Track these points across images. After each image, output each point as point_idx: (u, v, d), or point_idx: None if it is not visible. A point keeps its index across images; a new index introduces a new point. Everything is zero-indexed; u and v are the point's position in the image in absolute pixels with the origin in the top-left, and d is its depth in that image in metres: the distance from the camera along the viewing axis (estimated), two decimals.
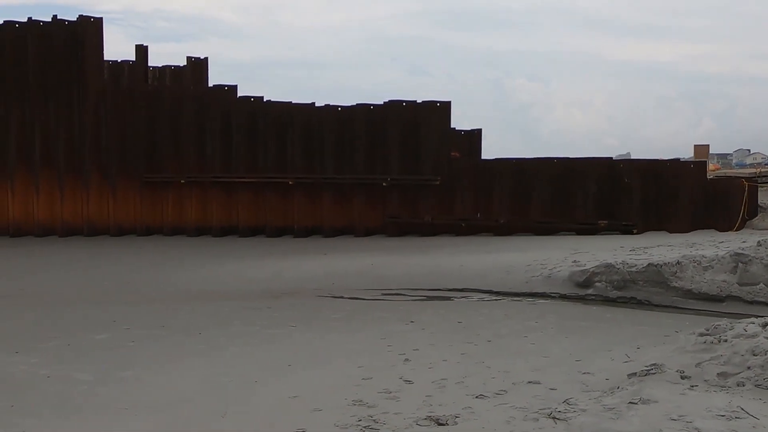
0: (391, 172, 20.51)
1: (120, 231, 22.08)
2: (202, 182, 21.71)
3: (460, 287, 12.09)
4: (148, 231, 22.08)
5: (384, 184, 20.42)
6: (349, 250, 17.65)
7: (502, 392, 6.11)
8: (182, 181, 21.82)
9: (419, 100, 20.69)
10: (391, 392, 6.27)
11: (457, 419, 5.39)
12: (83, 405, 6.41)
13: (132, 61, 26.15)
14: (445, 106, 20.46)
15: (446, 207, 20.24)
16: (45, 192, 22.21)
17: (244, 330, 9.25)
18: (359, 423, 5.46)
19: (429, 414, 5.51)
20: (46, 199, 22.23)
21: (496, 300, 11.19)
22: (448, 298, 11.39)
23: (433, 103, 20.49)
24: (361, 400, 6.04)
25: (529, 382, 6.39)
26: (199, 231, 21.75)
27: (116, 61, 26.17)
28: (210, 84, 24.95)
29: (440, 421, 5.34)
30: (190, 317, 10.26)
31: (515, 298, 11.25)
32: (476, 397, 5.99)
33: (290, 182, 21.09)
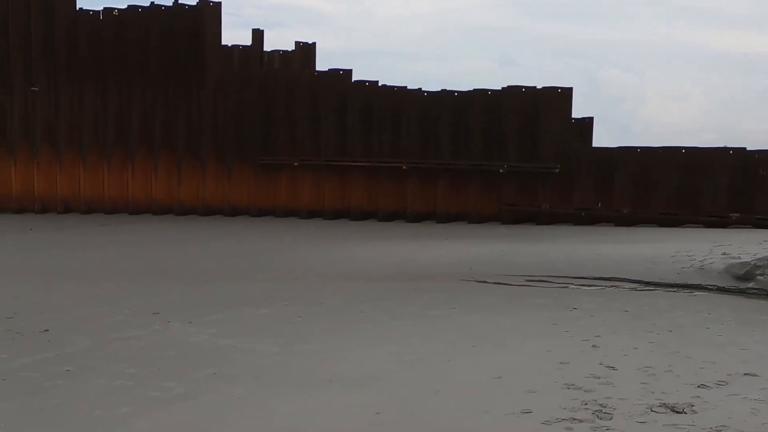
0: (509, 158, 20.21)
1: (234, 212, 22.50)
2: (316, 165, 21.87)
3: (606, 276, 11.73)
4: (261, 212, 22.41)
5: (501, 170, 20.14)
6: (467, 237, 17.49)
7: (722, 383, 5.83)
8: (296, 164, 22.04)
9: (539, 86, 20.28)
10: (599, 377, 6.07)
11: (693, 408, 5.15)
12: (283, 376, 6.44)
13: (242, 46, 26.55)
14: (567, 93, 20.01)
15: (565, 196, 19.82)
16: (163, 173, 22.80)
17: (403, 311, 9.18)
18: (586, 407, 5.29)
19: (660, 401, 5.29)
20: (165, 180, 22.82)
21: (649, 290, 10.81)
22: (598, 286, 11.07)
23: (554, 89, 20.06)
24: (573, 384, 5.87)
25: (746, 374, 6.09)
26: (312, 214, 21.95)
27: (227, 45, 26.62)
28: (317, 69, 25.17)
29: (676, 409, 5.12)
30: (341, 296, 10.26)
31: (669, 289, 10.84)
32: (698, 386, 5.73)
33: (404, 167, 21.03)
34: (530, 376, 6.17)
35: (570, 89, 20.06)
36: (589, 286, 11.18)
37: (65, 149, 23.08)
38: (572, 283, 11.37)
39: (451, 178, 20.75)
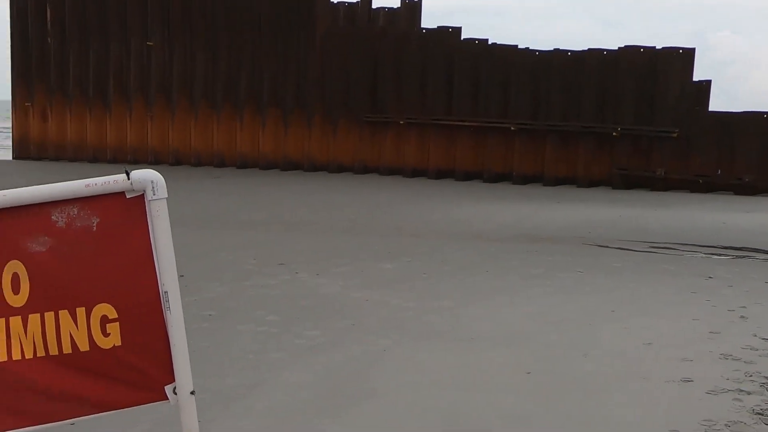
0: (623, 121, 19.53)
1: (339, 168, 22.65)
2: (422, 124, 21.72)
3: (736, 245, 11.23)
4: (365, 170, 22.49)
5: (614, 133, 19.50)
6: (579, 200, 17.10)
7: None
8: (402, 122, 21.94)
9: (658, 47, 19.44)
10: (757, 349, 5.80)
11: None
12: (424, 331, 6.44)
13: (348, 3, 26.44)
14: (688, 54, 19.12)
15: (681, 161, 19.06)
16: (270, 128, 23.12)
17: (531, 272, 9.04)
18: (751, 378, 5.06)
19: None
20: (271, 135, 23.14)
21: None
22: (729, 256, 10.60)
23: (674, 49, 19.20)
24: (730, 355, 5.64)
25: None
26: (416, 173, 21.87)
27: (333, 1, 26.58)
28: (423, 26, 24.85)
29: None
30: (463, 254, 10.18)
31: None
32: None
33: (512, 128, 20.63)
34: (681, 344, 5.96)
35: (692, 50, 19.17)
36: (719, 255, 10.73)
37: (177, 103, 23.66)
38: (700, 252, 10.93)
39: (561, 140, 20.24)
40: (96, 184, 2.20)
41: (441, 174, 21.62)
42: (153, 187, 2.23)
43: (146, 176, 2.22)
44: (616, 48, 19.84)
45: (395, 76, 21.96)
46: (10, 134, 26.67)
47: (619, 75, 19.54)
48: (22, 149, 25.28)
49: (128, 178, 2.21)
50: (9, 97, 25.72)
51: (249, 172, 22.70)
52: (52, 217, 2.25)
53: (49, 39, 24.46)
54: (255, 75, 23.04)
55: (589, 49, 20.18)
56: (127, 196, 2.25)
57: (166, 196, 2.26)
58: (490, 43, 21.35)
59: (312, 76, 22.59)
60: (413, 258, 9.85)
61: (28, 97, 24.83)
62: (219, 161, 23.52)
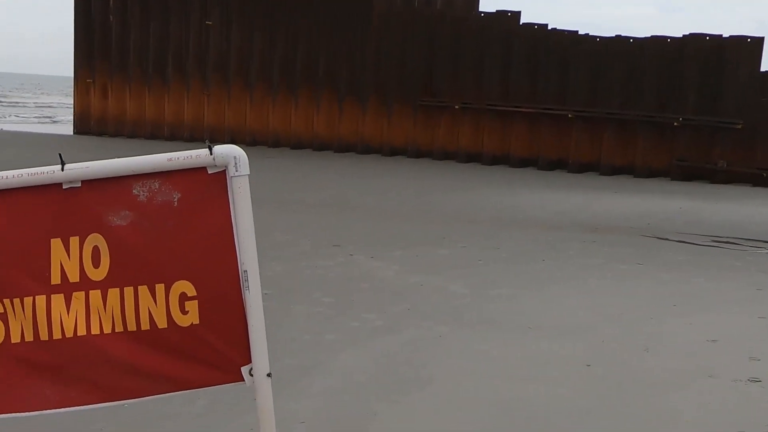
0: (684, 111, 19.03)
1: (392, 152, 22.58)
2: (477, 109, 21.49)
3: None
4: (418, 153, 22.38)
5: (675, 123, 19.01)
6: (637, 191, 16.74)
7: None
8: (457, 107, 21.74)
9: (725, 35, 18.86)
10: None
11: None
12: (482, 318, 6.37)
13: None
14: (757, 43, 18.48)
15: (745, 154, 18.49)
16: (325, 110, 23.15)
17: (589, 262, 8.88)
18: None
19: None
20: (326, 117, 23.18)
21: None
22: None
23: (742, 38, 18.60)
24: None
25: None
26: (470, 158, 21.68)
27: None
28: (480, 9, 24.53)
29: None
30: (518, 242, 10.06)
31: None
32: None
33: (569, 115, 20.28)
34: (747, 342, 5.78)
35: (761, 39, 18.52)
36: None
37: (234, 83, 23.85)
38: (765, 247, 10.60)
39: (619, 129, 19.82)
40: (178, 158, 2.17)
41: (495, 160, 21.39)
42: (236, 163, 2.18)
43: (229, 152, 2.18)
44: (681, 36, 19.31)
45: (452, 59, 21.75)
46: (72, 110, 27.23)
47: (683, 63, 19.01)
48: (83, 124, 25.82)
49: (210, 153, 2.17)
50: (71, 74, 26.27)
51: (303, 152, 22.79)
52: (134, 191, 2.22)
53: (110, 17, 24.85)
54: (311, 56, 23.07)
55: (652, 36, 19.70)
56: (209, 172, 2.21)
57: (249, 173, 2.21)
58: (549, 28, 20.98)
59: (367, 58, 22.52)
60: (468, 244, 9.76)
61: (89, 74, 25.31)
62: (274, 141, 23.66)
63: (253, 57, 23.59)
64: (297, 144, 23.41)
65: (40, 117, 40.40)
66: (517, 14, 21.52)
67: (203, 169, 2.21)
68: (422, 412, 4.45)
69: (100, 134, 25.19)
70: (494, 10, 21.86)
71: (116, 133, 25.03)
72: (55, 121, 37.00)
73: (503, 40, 21.10)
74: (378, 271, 8.03)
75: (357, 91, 22.76)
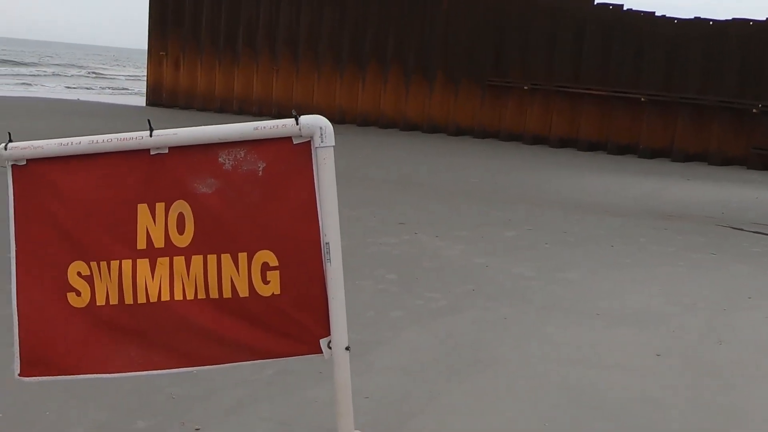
0: (764, 98, 18.31)
1: (458, 131, 22.41)
2: (546, 90, 21.11)
3: None
4: (484, 134, 22.14)
5: (754, 110, 18.32)
6: (711, 179, 16.23)
7: None
8: (525, 88, 21.40)
9: None
10: None
11: None
12: (548, 302, 6.28)
13: None
14: None
15: None
16: (392, 87, 23.08)
17: (660, 250, 8.65)
18: None
19: None
20: (393, 94, 23.10)
21: None
22: None
23: None
24: None
25: None
26: (537, 140, 21.35)
27: None
28: None
29: None
30: (586, 227, 9.87)
31: None
32: None
33: (642, 99, 19.74)
34: None
35: None
36: None
37: (303, 59, 23.96)
38: None
39: (694, 115, 19.21)
40: (264, 128, 2.15)
41: (563, 143, 21.01)
42: (321, 134, 2.16)
43: (315, 122, 2.15)
44: (764, 19, 18.54)
45: (522, 39, 21.39)
46: (145, 82, 27.81)
47: (765, 48, 18.27)
48: (155, 96, 26.35)
49: (297, 123, 2.14)
50: (145, 47, 26.81)
51: (369, 130, 22.79)
52: (220, 159, 2.22)
53: None
54: (380, 33, 22.97)
55: (733, 19, 18.97)
56: (294, 142, 2.19)
57: (334, 144, 2.19)
58: (625, 9, 20.41)
59: (437, 36, 22.32)
60: (534, 227, 9.62)
61: (162, 47, 25.77)
62: (340, 118, 23.68)
63: (322, 33, 23.64)
64: (363, 121, 23.41)
65: (115, 88, 41.44)
66: None
67: (289, 139, 2.19)
68: (485, 394, 4.41)
69: (171, 106, 25.67)
70: None
71: (187, 106, 25.47)
72: (129, 93, 37.89)
73: (577, 20, 20.63)
74: (442, 250, 7.98)
75: (425, 69, 22.60)
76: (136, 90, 38.29)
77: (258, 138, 2.19)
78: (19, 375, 2.45)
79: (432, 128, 22.63)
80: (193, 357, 2.32)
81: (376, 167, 14.84)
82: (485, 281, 6.84)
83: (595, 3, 20.81)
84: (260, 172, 2.21)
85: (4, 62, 56.01)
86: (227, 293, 2.26)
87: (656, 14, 20.09)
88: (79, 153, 2.30)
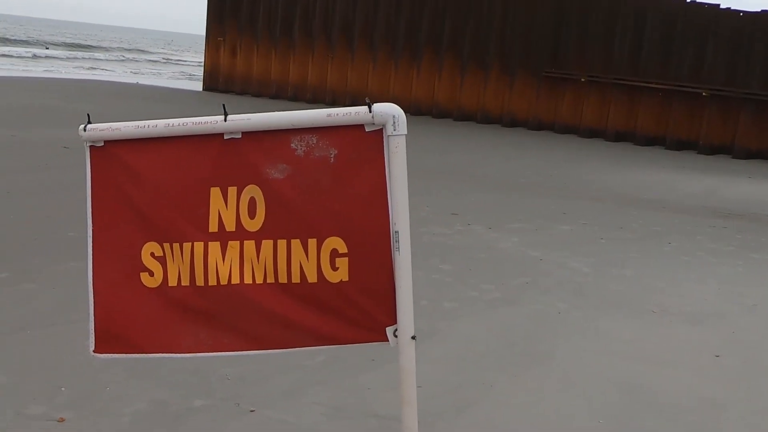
0: None
1: (512, 122, 22.22)
2: (604, 83, 20.77)
3: None
4: (539, 126, 21.91)
5: None
6: None
7: None
8: (583, 80, 21.08)
9: None
10: None
11: None
12: (603, 297, 6.19)
13: None
14: None
15: None
16: (447, 76, 22.96)
17: (720, 248, 8.46)
18: None
19: None
20: (447, 84, 22.98)
21: None
22: None
23: None
24: None
25: None
26: (592, 133, 21.05)
27: None
28: None
29: None
30: (643, 223, 9.69)
31: None
32: None
33: (704, 93, 19.28)
34: None
35: None
36: None
37: (358, 47, 23.98)
38: None
39: (758, 111, 18.69)
40: (337, 115, 2.15)
41: (619, 137, 20.67)
42: (394, 122, 2.14)
43: (388, 110, 2.14)
44: None
45: (580, 30, 21.07)
46: (202, 67, 28.20)
47: None
48: (212, 81, 26.70)
49: (370, 111, 2.14)
50: (200, 32, 27.18)
51: (422, 119, 22.71)
52: (292, 145, 2.22)
53: None
54: (436, 22, 22.85)
55: None
56: (366, 130, 2.18)
57: (406, 132, 2.17)
58: (688, 1, 19.92)
59: (494, 25, 22.10)
60: (590, 221, 9.49)
61: (220, 33, 26.07)
62: None
63: (377, 21, 23.61)
64: (417, 110, 23.34)
65: (174, 72, 42.11)
66: None
67: (361, 126, 2.18)
68: (541, 388, 4.37)
69: (226, 92, 25.98)
70: None
71: (242, 92, 25.75)
72: (185, 78, 38.47)
73: (637, 11, 20.23)
74: (496, 242, 7.92)
75: (481, 59, 22.43)
76: (192, 75, 38.86)
77: (330, 125, 2.19)
78: (93, 351, 2.50)
79: (486, 119, 22.48)
80: (261, 340, 2.34)
81: (429, 157, 14.78)
82: (540, 274, 6.77)
83: None
84: (332, 159, 2.21)
85: (65, 45, 57.37)
86: (296, 278, 2.27)
87: (720, 6, 19.55)
88: (154, 136, 2.33)
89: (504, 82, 22.22)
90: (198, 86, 28.70)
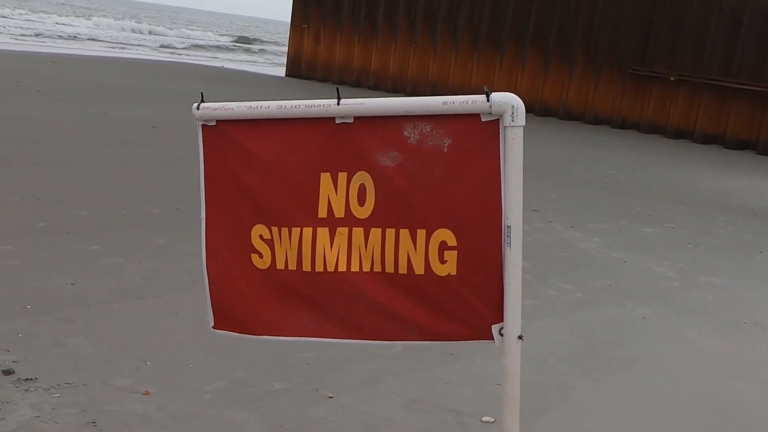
0: None
1: (595, 120, 21.73)
2: (694, 82, 20.09)
3: None
4: (623, 125, 21.38)
5: None
6: None
7: None
8: (672, 79, 20.43)
9: None
10: None
11: None
12: (690, 306, 5.98)
13: None
14: None
15: None
16: (530, 70, 22.59)
17: None
18: None
19: None
20: (530, 78, 22.62)
21: None
22: None
23: None
24: None
25: None
26: (678, 134, 20.40)
27: None
28: None
29: None
30: (734, 230, 9.33)
31: None
32: None
33: None
34: None
35: None
36: None
37: (441, 38, 23.82)
38: None
39: None
40: (453, 103, 2.08)
41: (708, 139, 19.98)
42: (512, 113, 2.06)
43: (507, 100, 2.06)
44: None
45: (671, 27, 20.40)
46: (286, 53, 28.50)
47: None
48: (295, 68, 26.98)
49: (488, 100, 2.06)
50: (281, 19, 27.43)
51: None
52: (405, 132, 2.17)
53: None
54: (521, 13, 22.49)
55: None
56: (482, 120, 2.11)
57: (524, 123, 2.09)
58: None
59: (580, 19, 21.61)
60: (677, 225, 9.19)
61: (305, 20, 26.29)
62: None
63: (461, 12, 23.40)
64: None
65: (262, 59, 42.76)
66: None
67: (477, 116, 2.11)
68: (623, 395, 4.24)
69: (308, 78, 26.22)
70: None
71: (324, 78, 25.93)
72: (268, 63, 39.02)
73: (733, 10, 19.44)
74: (578, 241, 7.75)
75: (565, 53, 21.99)
76: (275, 60, 39.37)
77: (445, 113, 2.13)
78: (213, 327, 2.53)
79: (568, 115, 22.06)
80: (363, 330, 2.31)
81: None
82: (623, 277, 6.58)
83: None
84: (445, 149, 2.15)
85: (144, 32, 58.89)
86: (403, 269, 2.23)
87: None
88: (266, 117, 2.31)
89: (589, 77, 21.74)
90: (281, 71, 29.05)
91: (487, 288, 2.18)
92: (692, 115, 20.33)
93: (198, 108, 2.41)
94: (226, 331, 2.52)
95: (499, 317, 2.19)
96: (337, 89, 2.30)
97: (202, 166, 2.44)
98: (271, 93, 20.07)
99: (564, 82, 22.10)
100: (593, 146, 16.85)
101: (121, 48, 35.38)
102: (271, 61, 38.95)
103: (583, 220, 8.83)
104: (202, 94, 2.53)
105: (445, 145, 2.14)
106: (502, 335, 2.19)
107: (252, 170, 2.34)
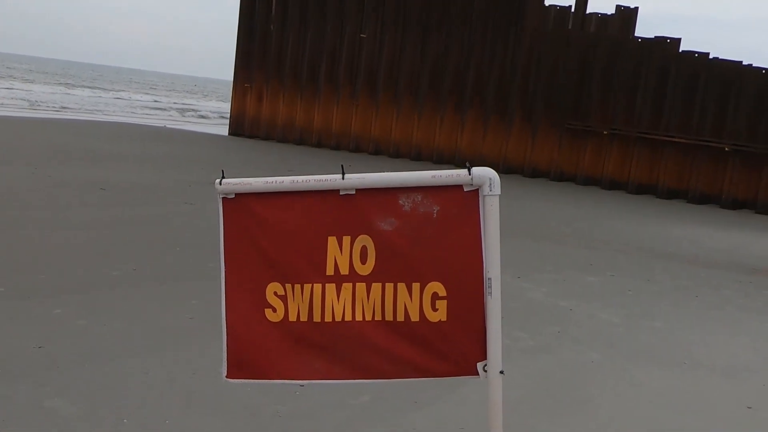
0: None
1: (533, 173, 22.47)
2: (626, 136, 21.06)
3: None
4: (560, 177, 22.15)
5: None
6: None
7: None
8: (605, 132, 21.38)
9: None
10: None
11: None
12: (635, 349, 6.32)
13: (559, 6, 25.99)
14: None
15: None
16: (470, 126, 23.33)
17: (748, 304, 8.59)
18: None
19: None
20: (470, 133, 23.33)
21: None
22: None
23: None
24: None
25: None
26: (614, 185, 21.25)
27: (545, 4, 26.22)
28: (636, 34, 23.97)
29: None
30: (672, 276, 9.81)
31: None
32: None
33: (726, 148, 19.49)
34: None
35: None
36: None
37: (382, 95, 24.44)
38: None
39: None
40: (441, 176, 2.46)
41: (641, 189, 20.87)
42: (490, 184, 2.43)
43: (485, 174, 2.43)
44: None
45: (603, 84, 21.44)
46: (229, 112, 28.73)
47: None
48: (237, 126, 27.21)
49: (469, 174, 2.42)
50: (223, 77, 27.77)
51: (445, 167, 23.00)
52: (400, 201, 2.53)
53: (271, 26, 26.09)
54: (459, 72, 23.27)
55: None
56: (465, 190, 2.47)
57: (500, 193, 2.45)
58: (711, 57, 20.27)
59: (516, 77, 22.52)
60: (617, 273, 9.63)
61: (248, 79, 26.65)
62: (416, 154, 24.06)
63: (402, 70, 24.10)
64: (439, 158, 23.70)
65: (205, 119, 42.87)
66: (677, 41, 20.95)
67: (460, 187, 2.48)
68: (583, 431, 4.50)
69: (252, 137, 26.47)
70: (653, 36, 21.36)
71: (267, 137, 26.22)
72: (210, 123, 39.16)
73: (660, 67, 20.59)
74: (526, 291, 8.08)
75: (503, 109, 22.80)
76: (216, 121, 39.56)
77: (434, 184, 2.50)
78: (226, 377, 2.77)
79: (508, 169, 22.75)
80: (368, 370, 2.61)
81: None
82: (571, 324, 6.91)
83: (681, 50, 20.72)
84: (434, 214, 2.51)
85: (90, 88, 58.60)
86: (400, 317, 2.55)
87: (743, 63, 19.88)
88: (280, 190, 2.66)
89: (526, 132, 22.56)
90: (223, 130, 29.23)
91: (472, 331, 2.50)
92: (626, 167, 21.24)
93: (220, 183, 2.74)
94: (239, 380, 2.75)
95: (483, 355, 2.51)
96: (342, 166, 2.63)
97: (222, 233, 2.74)
98: (214, 151, 20.25)
99: (503, 137, 22.87)
100: (533, 199, 17.43)
101: (62, 109, 35.11)
102: (212, 122, 39.12)
103: (529, 270, 9.19)
104: (222, 171, 2.84)
105: (435, 211, 2.50)
106: (485, 371, 2.50)
107: (267, 235, 2.67)
